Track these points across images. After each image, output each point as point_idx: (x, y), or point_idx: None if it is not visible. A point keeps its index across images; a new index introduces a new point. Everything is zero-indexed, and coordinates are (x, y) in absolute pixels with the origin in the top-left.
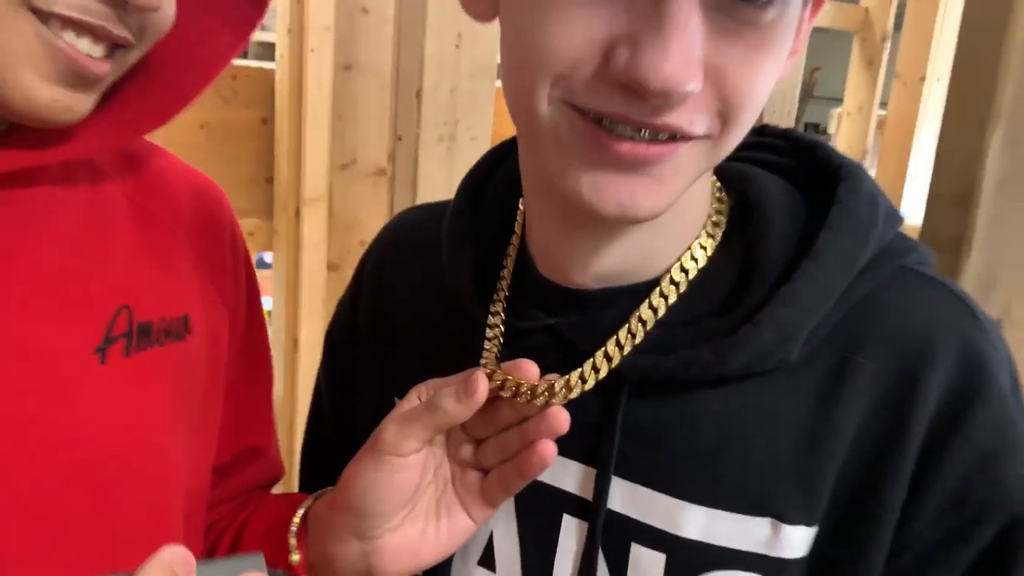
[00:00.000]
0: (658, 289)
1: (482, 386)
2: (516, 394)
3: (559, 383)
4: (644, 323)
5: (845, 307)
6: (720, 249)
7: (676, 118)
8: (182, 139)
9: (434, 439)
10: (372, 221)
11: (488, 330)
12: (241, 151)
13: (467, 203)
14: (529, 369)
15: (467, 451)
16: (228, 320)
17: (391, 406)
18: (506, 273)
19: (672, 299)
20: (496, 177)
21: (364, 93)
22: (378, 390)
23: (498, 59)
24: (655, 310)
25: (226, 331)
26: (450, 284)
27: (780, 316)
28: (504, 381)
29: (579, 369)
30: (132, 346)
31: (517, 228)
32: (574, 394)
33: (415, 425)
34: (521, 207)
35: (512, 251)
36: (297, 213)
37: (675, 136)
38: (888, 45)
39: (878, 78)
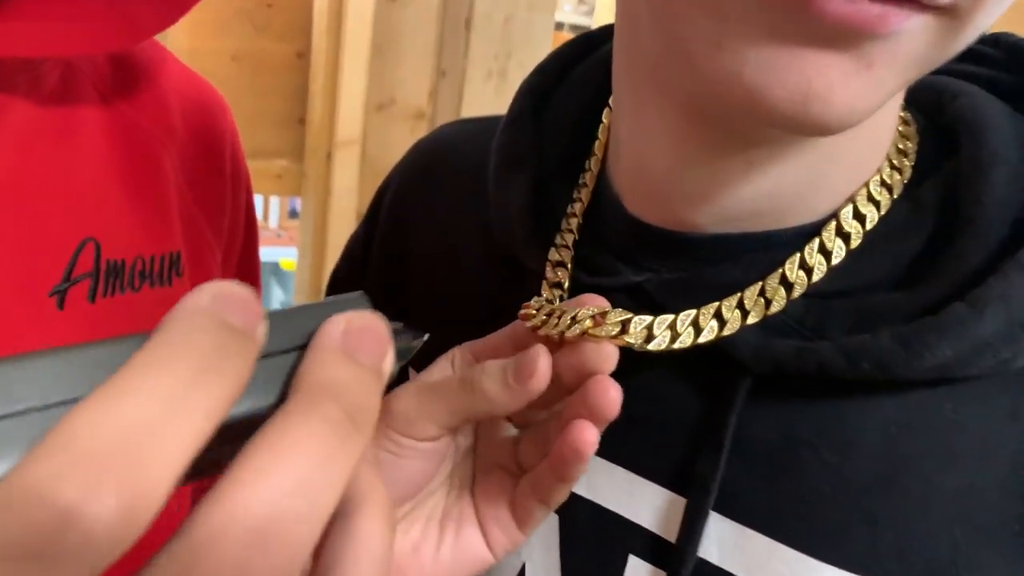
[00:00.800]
0: (818, 241)
1: (542, 365)
2: (570, 326)
3: (637, 322)
4: (789, 288)
5: None
6: (907, 190)
7: None
8: (209, 69)
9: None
10: None
11: (545, 287)
12: (273, 86)
13: (529, 112)
14: (596, 303)
15: (503, 444)
16: (220, 261)
17: (404, 378)
18: (577, 209)
19: (839, 258)
20: (572, 77)
21: (408, 25)
22: None
23: None
24: (809, 271)
25: (219, 272)
26: (496, 219)
27: (1018, 293)
28: (551, 314)
29: (671, 316)
30: (99, 289)
31: (598, 148)
32: (654, 345)
33: (440, 404)
34: (605, 120)
35: (588, 179)
36: (329, 156)
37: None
38: None
39: None
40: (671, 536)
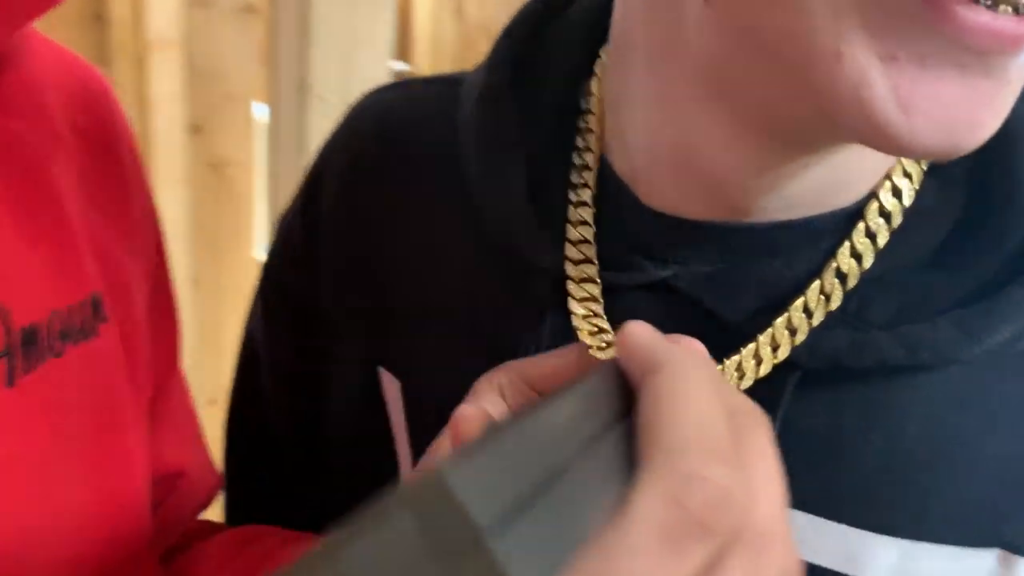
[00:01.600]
0: (863, 225)
1: None
2: None
3: (728, 366)
4: (843, 278)
5: None
6: (933, 166)
7: None
8: None
9: None
10: (242, 71)
11: (572, 287)
12: None
13: (507, 80)
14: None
15: None
16: (142, 279)
17: (374, 389)
18: (586, 196)
19: (884, 239)
20: (547, 41)
21: None
22: (356, 365)
23: None
24: (859, 258)
25: (142, 300)
26: (488, 211)
27: None
28: None
29: (751, 345)
30: (18, 367)
31: (594, 124)
32: (745, 384)
33: None
34: (596, 93)
35: (591, 161)
36: (140, 60)
37: None
38: None
39: None
40: None
